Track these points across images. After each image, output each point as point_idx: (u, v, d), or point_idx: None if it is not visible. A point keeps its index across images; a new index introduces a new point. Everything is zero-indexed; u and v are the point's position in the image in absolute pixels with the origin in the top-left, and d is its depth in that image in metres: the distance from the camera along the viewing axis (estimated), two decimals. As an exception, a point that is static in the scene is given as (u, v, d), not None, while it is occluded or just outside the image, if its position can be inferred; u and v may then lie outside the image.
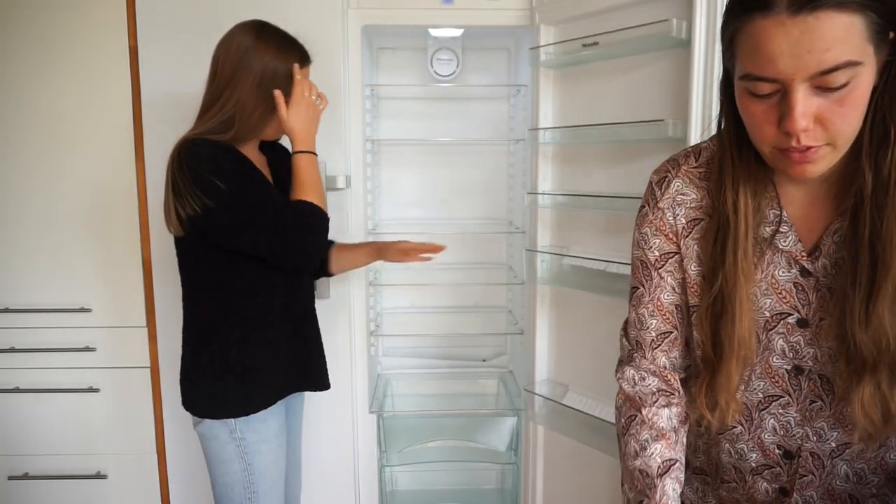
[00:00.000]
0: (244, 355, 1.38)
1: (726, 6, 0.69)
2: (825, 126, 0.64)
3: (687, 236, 0.81)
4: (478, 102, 2.31)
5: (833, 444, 0.77)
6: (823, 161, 0.67)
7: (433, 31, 2.08)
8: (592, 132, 1.68)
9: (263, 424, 1.40)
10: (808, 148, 0.65)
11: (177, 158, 1.29)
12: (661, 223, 0.84)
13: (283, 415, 1.48)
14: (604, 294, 1.65)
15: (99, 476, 2.00)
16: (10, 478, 1.98)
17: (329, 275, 1.65)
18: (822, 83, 0.61)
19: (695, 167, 0.82)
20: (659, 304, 0.85)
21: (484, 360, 2.37)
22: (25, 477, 1.98)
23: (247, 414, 1.38)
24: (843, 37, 0.59)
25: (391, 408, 2.18)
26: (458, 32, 2.07)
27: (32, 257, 1.91)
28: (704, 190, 0.80)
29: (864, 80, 0.63)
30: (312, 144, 1.38)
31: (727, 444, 0.86)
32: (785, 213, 0.75)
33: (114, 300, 1.94)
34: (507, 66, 2.29)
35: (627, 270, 0.92)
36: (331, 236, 1.50)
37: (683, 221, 0.82)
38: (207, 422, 1.39)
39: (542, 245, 1.89)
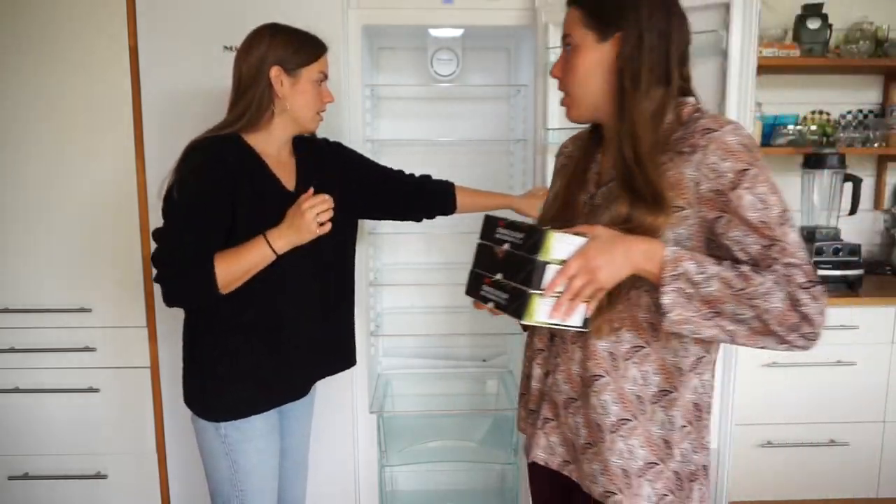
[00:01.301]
0: (224, 360, 1.38)
1: None
2: (563, 76, 1.05)
3: (559, 170, 1.21)
4: (478, 102, 2.31)
5: (627, 346, 1.00)
6: (572, 108, 1.06)
7: (433, 31, 2.08)
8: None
9: (248, 424, 1.40)
10: (565, 94, 1.06)
11: (180, 158, 1.34)
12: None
13: (273, 416, 1.47)
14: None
15: (99, 476, 2.00)
16: (10, 478, 1.98)
17: (451, 213, 1.71)
18: (565, 42, 1.04)
19: (584, 133, 1.19)
20: None
21: (484, 360, 2.37)
22: (25, 477, 1.99)
23: (226, 420, 1.39)
24: (570, 20, 1.03)
25: (391, 408, 2.18)
26: (458, 32, 2.07)
27: (33, 257, 1.91)
28: (576, 145, 1.19)
29: (583, 54, 1.01)
30: (281, 246, 1.32)
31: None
32: (598, 157, 1.12)
33: (114, 300, 1.94)
34: (507, 66, 2.29)
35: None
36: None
37: (563, 160, 1.21)
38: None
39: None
